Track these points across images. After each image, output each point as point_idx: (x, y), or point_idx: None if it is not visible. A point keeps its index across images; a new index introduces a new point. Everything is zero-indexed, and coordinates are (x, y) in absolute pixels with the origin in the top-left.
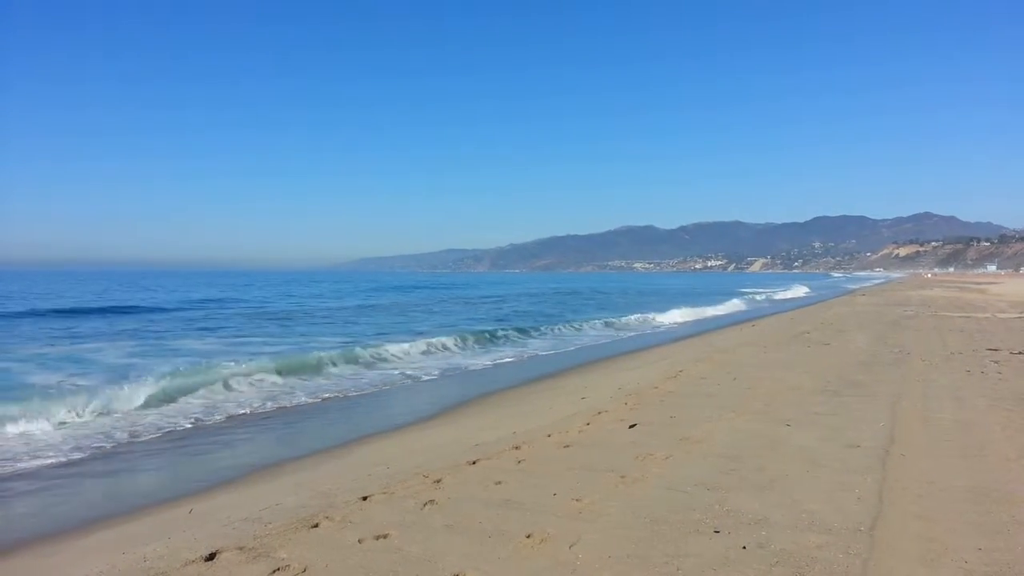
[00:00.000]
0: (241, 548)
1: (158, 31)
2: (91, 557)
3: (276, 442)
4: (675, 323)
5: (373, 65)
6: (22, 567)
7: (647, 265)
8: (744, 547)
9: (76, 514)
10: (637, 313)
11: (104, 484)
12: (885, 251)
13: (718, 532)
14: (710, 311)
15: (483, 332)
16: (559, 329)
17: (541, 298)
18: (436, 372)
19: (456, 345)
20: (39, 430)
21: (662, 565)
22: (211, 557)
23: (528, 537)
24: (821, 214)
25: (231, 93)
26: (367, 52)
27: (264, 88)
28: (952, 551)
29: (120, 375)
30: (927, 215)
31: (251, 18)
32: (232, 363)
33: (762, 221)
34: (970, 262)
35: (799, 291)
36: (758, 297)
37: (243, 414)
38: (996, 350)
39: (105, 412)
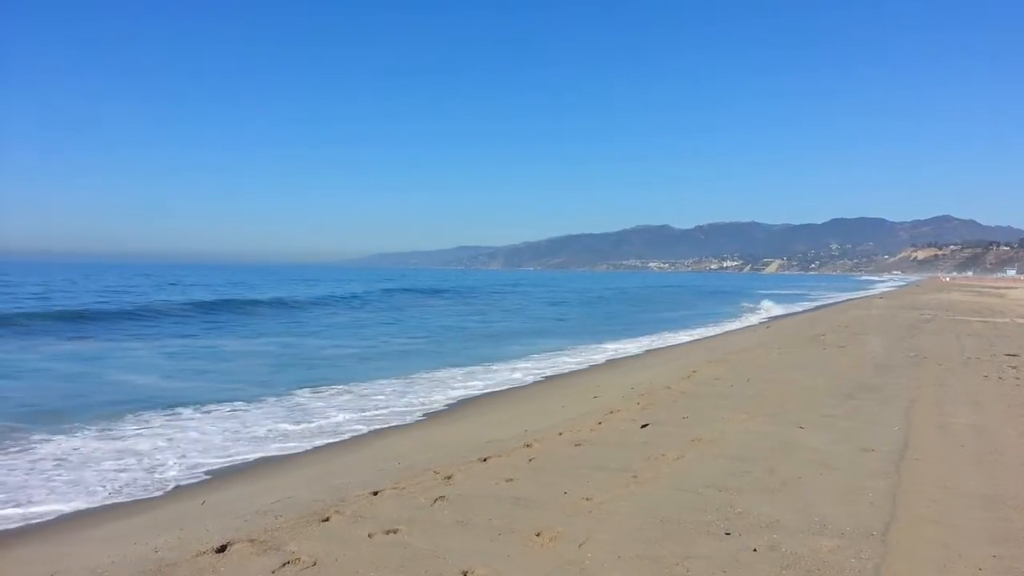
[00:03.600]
0: (252, 541)
1: (169, 26)
2: (103, 547)
3: None
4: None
5: (384, 63)
6: (34, 556)
7: (662, 265)
8: (755, 549)
9: None
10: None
11: None
12: (903, 254)
13: (729, 534)
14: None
15: None
16: None
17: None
18: None
19: None
20: None
21: (672, 566)
22: (222, 549)
23: (538, 535)
24: (839, 215)
25: (232, 88)
26: (378, 48)
27: (268, 83)
28: (966, 557)
29: None
30: (946, 218)
31: (261, 13)
32: None
33: (779, 222)
34: (989, 266)
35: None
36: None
37: None
38: (1014, 355)
39: None
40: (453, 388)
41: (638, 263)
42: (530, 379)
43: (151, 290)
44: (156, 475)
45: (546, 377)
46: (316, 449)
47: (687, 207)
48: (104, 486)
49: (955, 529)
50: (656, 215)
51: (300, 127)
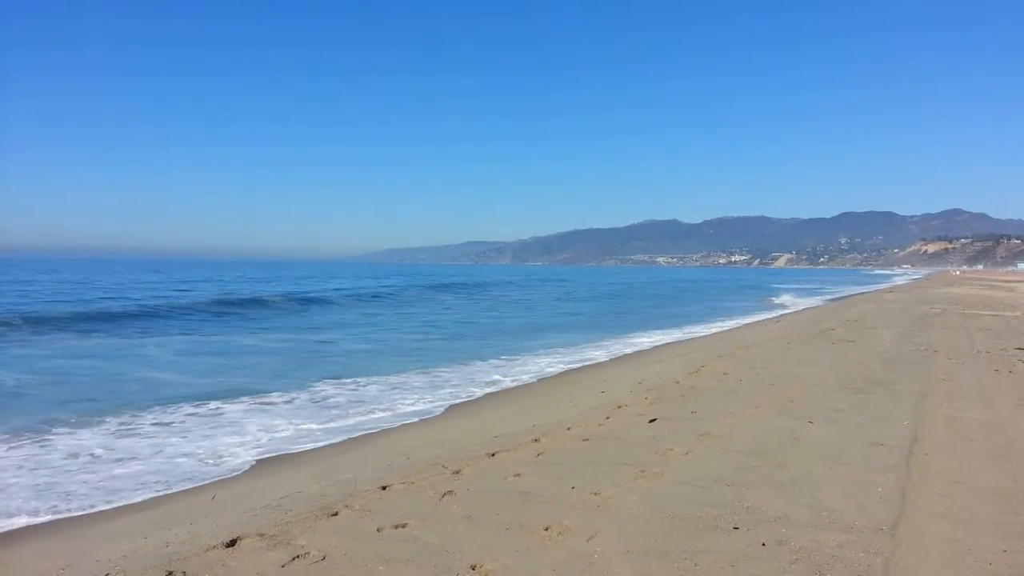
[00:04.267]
0: (262, 535)
1: (172, 27)
2: (115, 541)
3: None
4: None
5: (390, 61)
6: (47, 550)
7: (670, 259)
8: (763, 544)
9: None
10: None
11: None
12: (913, 248)
13: (737, 528)
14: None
15: None
16: None
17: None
18: None
19: None
20: None
21: (680, 560)
22: (232, 543)
23: (546, 530)
24: (848, 209)
25: (242, 88)
26: (383, 47)
27: (274, 82)
28: (976, 552)
29: None
30: (957, 211)
31: (269, 13)
32: None
33: (788, 216)
34: (1000, 260)
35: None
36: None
37: None
38: None
39: None
40: (481, 383)
41: (646, 258)
42: (560, 369)
43: (162, 287)
44: (198, 466)
45: (565, 371)
46: (327, 445)
47: (695, 201)
48: (153, 479)
49: (965, 523)
50: (664, 210)
51: (309, 126)
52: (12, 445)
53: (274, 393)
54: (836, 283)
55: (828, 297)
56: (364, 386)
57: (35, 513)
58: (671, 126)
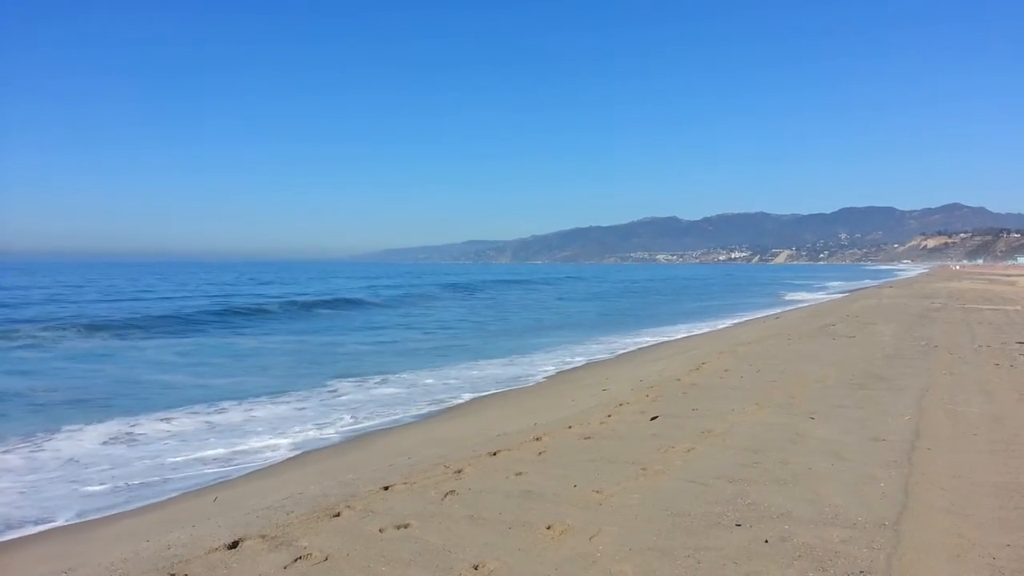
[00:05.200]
0: (264, 536)
1: (172, 26)
2: (116, 544)
3: None
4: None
5: (387, 57)
6: (49, 553)
7: (670, 257)
8: (766, 541)
9: None
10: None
11: None
12: (913, 243)
13: (740, 525)
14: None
15: None
16: None
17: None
18: None
19: None
20: None
21: (683, 558)
22: (234, 545)
23: (548, 528)
24: (848, 205)
25: (240, 85)
26: (381, 44)
27: (276, 79)
28: (979, 547)
29: None
30: (956, 206)
31: (269, 9)
32: None
33: (787, 212)
34: (1000, 254)
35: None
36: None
37: None
38: None
39: None
40: (487, 382)
41: (646, 255)
42: (563, 367)
43: (167, 292)
44: (203, 468)
45: (567, 369)
46: (330, 445)
47: (695, 198)
48: (157, 480)
49: (968, 518)
50: (664, 207)
51: (307, 124)
52: (10, 449)
53: (288, 393)
54: (842, 278)
55: (843, 292)
56: (376, 386)
57: (36, 518)
58: (670, 123)
